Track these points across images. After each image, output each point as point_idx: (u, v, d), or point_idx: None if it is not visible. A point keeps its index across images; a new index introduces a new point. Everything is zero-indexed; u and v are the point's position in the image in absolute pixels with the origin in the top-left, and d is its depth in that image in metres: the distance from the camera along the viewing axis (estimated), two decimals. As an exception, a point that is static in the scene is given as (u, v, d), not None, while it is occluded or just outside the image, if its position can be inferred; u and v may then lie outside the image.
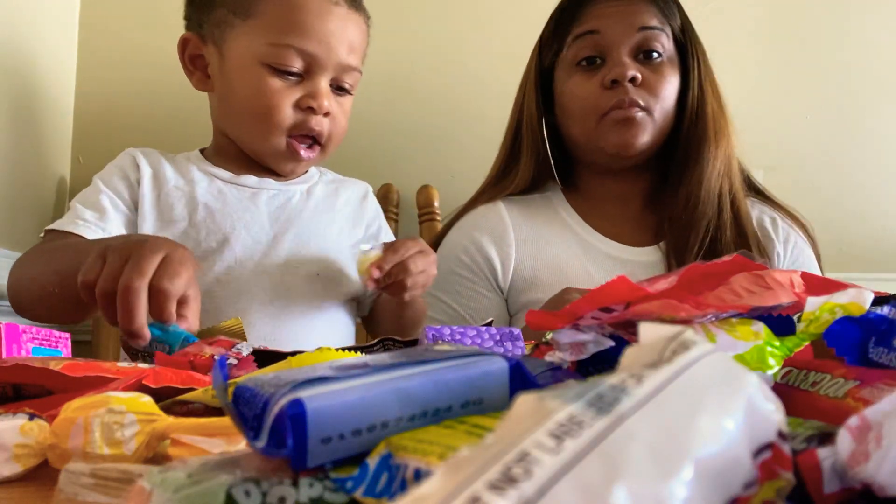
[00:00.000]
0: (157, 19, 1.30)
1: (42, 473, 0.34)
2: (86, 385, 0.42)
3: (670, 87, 0.99)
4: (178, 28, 1.30)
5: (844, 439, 0.22)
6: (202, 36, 0.95)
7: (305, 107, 0.91)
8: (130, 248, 0.61)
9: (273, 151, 0.95)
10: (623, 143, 0.98)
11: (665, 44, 0.99)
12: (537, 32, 1.09)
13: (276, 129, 0.92)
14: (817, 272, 1.05)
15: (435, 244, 1.12)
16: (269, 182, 0.99)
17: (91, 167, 1.27)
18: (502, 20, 1.35)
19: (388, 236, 1.09)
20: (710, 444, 0.18)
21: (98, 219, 0.88)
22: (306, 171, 1.04)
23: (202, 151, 1.03)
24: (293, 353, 0.47)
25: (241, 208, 0.95)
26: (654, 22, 0.98)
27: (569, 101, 1.01)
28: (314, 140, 0.94)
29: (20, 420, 0.34)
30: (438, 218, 1.28)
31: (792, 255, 1.04)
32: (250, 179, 0.98)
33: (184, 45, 0.96)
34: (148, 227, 0.91)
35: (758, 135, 1.32)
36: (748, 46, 1.37)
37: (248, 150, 0.98)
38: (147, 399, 0.35)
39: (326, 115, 0.93)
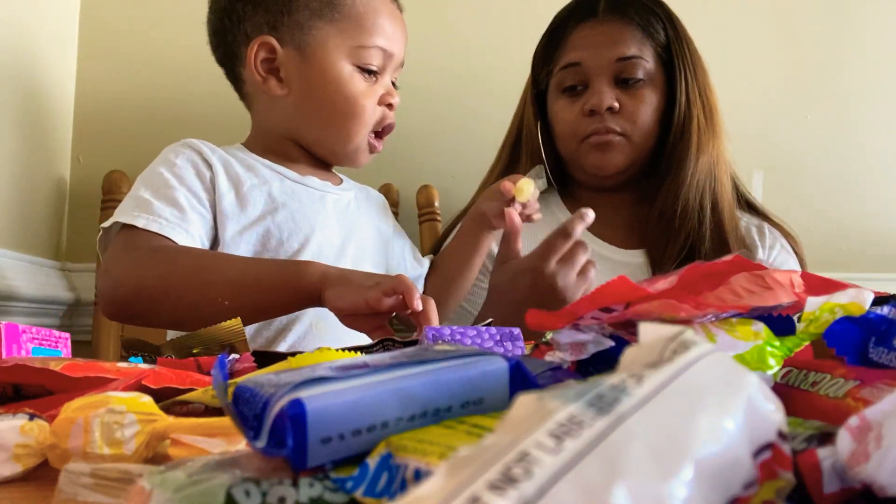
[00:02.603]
0: (157, 20, 1.30)
1: (42, 473, 0.34)
2: (86, 385, 0.42)
3: (650, 109, 1.02)
4: (178, 28, 1.30)
5: (844, 439, 0.22)
6: (280, 39, 0.93)
7: (385, 103, 0.95)
8: (389, 280, 0.71)
9: (354, 150, 0.96)
10: (599, 165, 1.04)
11: (646, 66, 1.02)
12: (538, 32, 1.09)
13: (363, 128, 0.95)
14: None
15: (437, 245, 1.13)
16: (329, 185, 1.00)
17: (91, 167, 1.27)
18: (503, 20, 1.35)
19: (403, 236, 1.10)
20: (710, 444, 0.18)
21: (180, 219, 0.85)
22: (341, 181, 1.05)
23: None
24: (293, 354, 0.47)
25: (315, 210, 0.95)
26: (633, 50, 1.01)
27: (554, 123, 1.07)
28: (377, 134, 0.98)
29: (20, 420, 0.34)
30: (438, 218, 1.28)
31: (775, 262, 1.05)
32: (314, 181, 0.98)
33: (257, 49, 0.93)
34: (233, 226, 0.88)
35: (758, 135, 1.32)
36: (747, 46, 1.37)
37: (324, 150, 0.98)
38: (147, 399, 0.35)
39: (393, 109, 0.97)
